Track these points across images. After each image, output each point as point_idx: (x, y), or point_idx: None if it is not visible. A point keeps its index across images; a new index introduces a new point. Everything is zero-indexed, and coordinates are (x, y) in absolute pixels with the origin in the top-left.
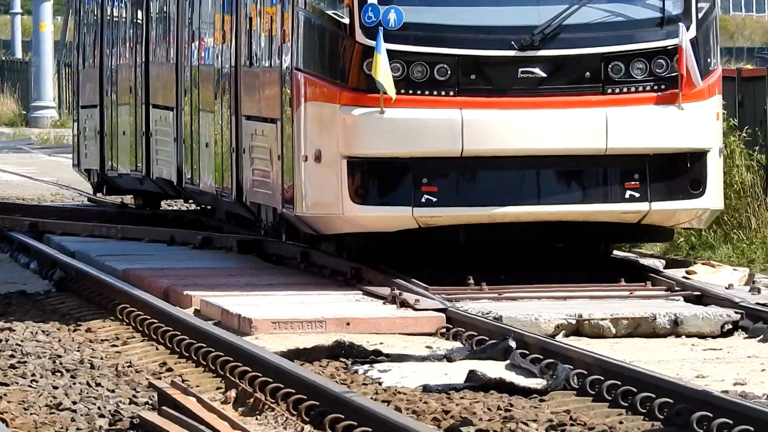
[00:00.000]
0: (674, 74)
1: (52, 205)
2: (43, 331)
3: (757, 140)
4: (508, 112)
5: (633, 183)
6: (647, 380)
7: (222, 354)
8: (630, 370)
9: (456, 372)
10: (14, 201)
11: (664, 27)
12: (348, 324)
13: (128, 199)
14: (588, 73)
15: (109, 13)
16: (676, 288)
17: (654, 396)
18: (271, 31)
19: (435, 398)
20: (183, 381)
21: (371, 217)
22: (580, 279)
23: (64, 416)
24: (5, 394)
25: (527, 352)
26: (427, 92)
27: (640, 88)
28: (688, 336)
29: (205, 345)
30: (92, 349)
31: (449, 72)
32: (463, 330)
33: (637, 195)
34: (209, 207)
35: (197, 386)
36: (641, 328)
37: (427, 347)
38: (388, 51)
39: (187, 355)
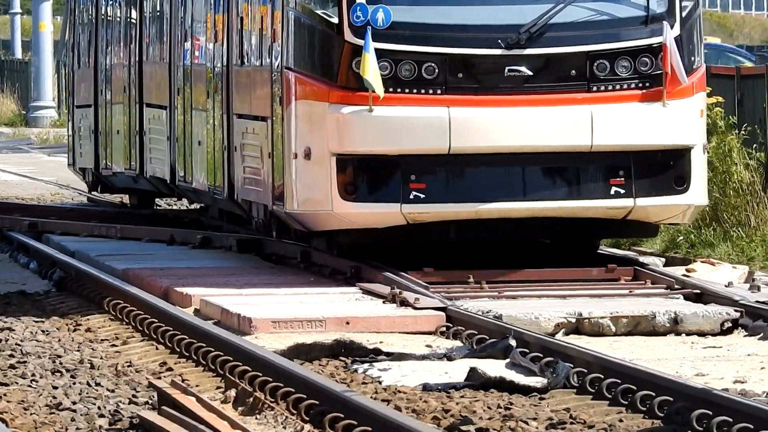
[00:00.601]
0: (659, 72)
1: (52, 205)
2: (42, 331)
3: (757, 138)
4: (495, 110)
5: (618, 179)
6: (647, 378)
7: (222, 353)
8: (630, 369)
9: (456, 371)
10: (14, 201)
11: (648, 25)
12: (348, 323)
13: (126, 198)
14: (573, 71)
15: (103, 12)
16: (676, 286)
17: (654, 394)
18: (261, 30)
19: (435, 397)
20: (183, 380)
21: (360, 213)
22: (580, 277)
23: (63, 416)
24: (5, 394)
25: (527, 351)
26: (415, 90)
27: (625, 86)
28: (687, 334)
29: (204, 344)
30: (92, 348)
31: (437, 70)
32: (463, 329)
33: (622, 191)
34: (203, 205)
35: (197, 386)
36: (641, 327)
37: (427, 346)
38: (377, 50)
39: (186, 354)
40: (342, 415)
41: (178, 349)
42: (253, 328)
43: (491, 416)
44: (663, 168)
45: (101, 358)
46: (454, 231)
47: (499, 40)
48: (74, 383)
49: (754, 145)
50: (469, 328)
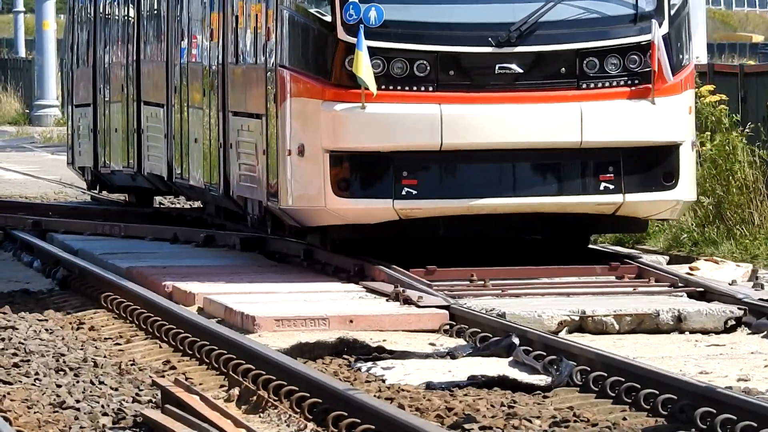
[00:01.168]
0: (647, 69)
1: (55, 204)
2: (46, 330)
3: (760, 136)
4: (486, 107)
5: (608, 175)
6: (651, 376)
7: (225, 352)
8: (633, 367)
9: (459, 369)
10: (17, 199)
11: (637, 23)
12: (351, 321)
13: (121, 195)
14: (563, 68)
15: (101, 11)
16: (680, 284)
17: (657, 392)
18: (256, 28)
19: (438, 395)
20: (186, 379)
21: (353, 209)
22: (583, 275)
23: (67, 415)
24: (9, 393)
25: (530, 349)
26: (407, 88)
27: (614, 83)
28: (691, 332)
29: (208, 343)
30: (95, 347)
31: (428, 68)
32: (467, 327)
33: (611, 187)
34: (199, 202)
35: (200, 384)
36: (644, 325)
37: (431, 344)
38: (369, 48)
39: (190, 353)
40: (345, 414)
41: (182, 348)
42: (256, 327)
43: (495, 414)
44: (652, 164)
45: (105, 357)
46: (444, 227)
47: (490, 38)
48: (78, 382)
49: (758, 143)
50: (472, 327)
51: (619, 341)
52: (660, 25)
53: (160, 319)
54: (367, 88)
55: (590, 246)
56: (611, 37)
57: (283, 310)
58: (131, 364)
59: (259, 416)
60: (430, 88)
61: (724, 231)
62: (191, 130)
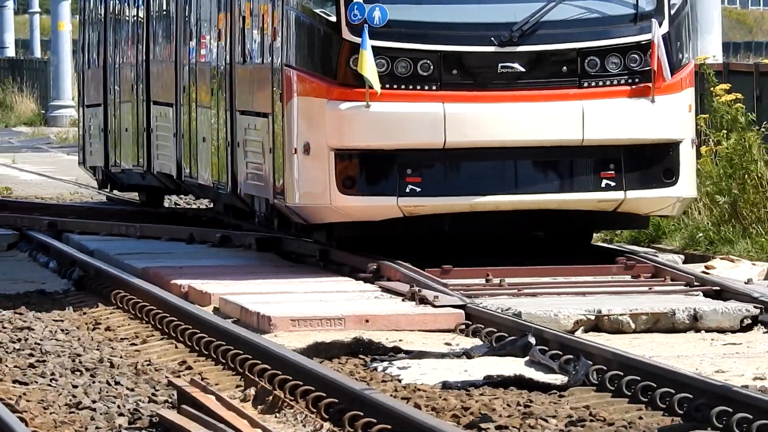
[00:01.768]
0: (647, 68)
1: (71, 204)
2: (62, 330)
3: None
4: (489, 106)
5: (609, 172)
6: (667, 375)
7: (241, 352)
8: (649, 366)
9: (475, 368)
10: (33, 200)
11: (637, 23)
12: (367, 321)
13: (135, 195)
14: (565, 67)
15: (111, 12)
16: (695, 283)
17: (673, 391)
18: (263, 29)
19: (454, 395)
20: (202, 379)
21: (358, 206)
22: (599, 274)
23: (83, 415)
24: (25, 393)
25: (546, 348)
26: (410, 87)
27: (615, 82)
28: (707, 331)
29: (224, 343)
30: (111, 347)
31: (432, 67)
32: (483, 326)
33: (612, 184)
34: (208, 200)
35: (216, 384)
36: (660, 324)
37: (447, 344)
38: (374, 47)
39: (206, 353)
40: (361, 413)
41: (198, 348)
42: (272, 327)
43: (511, 414)
44: (652, 161)
45: (121, 357)
46: (448, 223)
47: (493, 38)
48: (94, 382)
49: None
50: (488, 326)
51: (635, 340)
52: (660, 24)
53: (175, 319)
54: (371, 87)
55: (605, 245)
56: (612, 37)
57: (299, 310)
58: (147, 365)
59: (275, 416)
60: (434, 87)
61: (740, 230)
62: (200, 129)
